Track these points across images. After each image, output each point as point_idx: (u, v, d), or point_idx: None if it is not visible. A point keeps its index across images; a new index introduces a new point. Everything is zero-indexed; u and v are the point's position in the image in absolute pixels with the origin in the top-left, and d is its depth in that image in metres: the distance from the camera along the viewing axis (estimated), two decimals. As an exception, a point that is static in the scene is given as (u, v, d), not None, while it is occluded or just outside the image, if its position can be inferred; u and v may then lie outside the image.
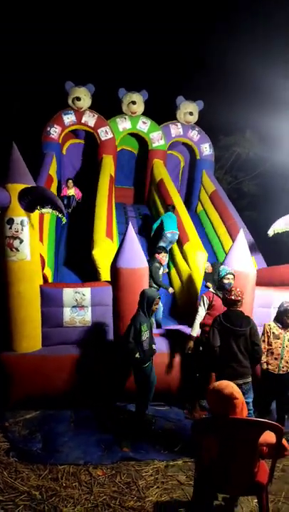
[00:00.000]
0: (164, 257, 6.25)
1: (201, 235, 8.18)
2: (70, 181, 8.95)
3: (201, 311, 4.57)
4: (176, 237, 7.13)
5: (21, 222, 4.38)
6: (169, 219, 7.34)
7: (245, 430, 2.54)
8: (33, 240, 4.51)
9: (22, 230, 4.39)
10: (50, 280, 5.96)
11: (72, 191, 8.90)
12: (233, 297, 3.86)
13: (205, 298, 4.58)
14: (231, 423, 2.55)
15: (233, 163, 13.85)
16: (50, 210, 4.33)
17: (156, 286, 6.05)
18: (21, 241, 4.39)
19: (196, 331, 4.56)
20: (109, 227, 6.76)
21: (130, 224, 4.98)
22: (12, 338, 4.58)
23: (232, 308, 3.89)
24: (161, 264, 6.19)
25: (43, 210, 4.36)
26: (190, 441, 3.94)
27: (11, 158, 4.41)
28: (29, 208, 4.38)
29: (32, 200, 4.29)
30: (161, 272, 6.21)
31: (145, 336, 4.01)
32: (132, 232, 4.81)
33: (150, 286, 5.98)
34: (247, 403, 3.74)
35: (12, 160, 4.41)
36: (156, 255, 6.20)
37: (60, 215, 4.34)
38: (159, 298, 4.21)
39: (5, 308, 4.54)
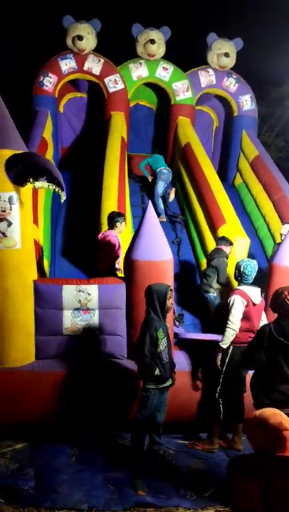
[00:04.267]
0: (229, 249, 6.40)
1: (241, 214, 8.10)
2: None
3: (236, 316, 4.50)
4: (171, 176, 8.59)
5: (10, 199, 4.39)
6: (157, 157, 8.81)
7: (298, 472, 2.51)
8: (25, 223, 4.51)
9: (10, 209, 4.39)
10: (47, 275, 6.00)
11: None
12: None
13: (239, 299, 4.51)
14: (279, 462, 2.53)
15: (286, 123, 13.58)
16: (45, 184, 4.32)
17: (216, 288, 6.17)
18: (9, 223, 4.41)
19: (226, 342, 4.53)
20: (121, 207, 6.74)
21: (150, 203, 4.94)
22: (-3, 349, 4.62)
23: (286, 316, 3.78)
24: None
25: (37, 184, 4.35)
26: (224, 484, 3.94)
27: None
28: (19, 181, 4.37)
29: (23, 170, 4.29)
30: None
31: (163, 345, 4.02)
32: (152, 214, 4.76)
33: (207, 288, 6.25)
34: None
35: (-3, 118, 4.39)
36: (223, 247, 6.34)
37: (58, 191, 4.33)
38: (172, 290, 4.19)
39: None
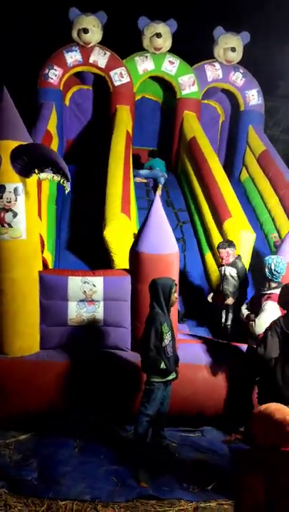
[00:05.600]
0: (225, 253, 5.78)
1: (246, 209, 8.07)
2: None
3: (264, 322, 4.23)
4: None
5: (15, 190, 4.41)
6: (158, 162, 9.29)
7: (303, 466, 2.51)
8: (30, 214, 4.55)
9: (16, 200, 4.42)
10: (50, 266, 6.01)
11: None
12: None
13: (275, 306, 4.28)
14: (284, 457, 2.52)
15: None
16: (51, 175, 4.33)
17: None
18: (15, 214, 4.43)
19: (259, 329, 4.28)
20: (125, 201, 6.73)
21: (157, 195, 4.93)
22: (2, 338, 4.66)
23: None
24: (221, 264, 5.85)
25: (42, 175, 4.36)
26: (228, 478, 3.94)
27: (1, 107, 4.40)
28: (25, 172, 4.39)
29: (29, 161, 4.30)
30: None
31: (168, 338, 4.04)
32: (158, 207, 4.76)
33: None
34: None
35: (3, 109, 4.41)
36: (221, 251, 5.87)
37: (63, 182, 4.33)
38: (176, 284, 4.19)
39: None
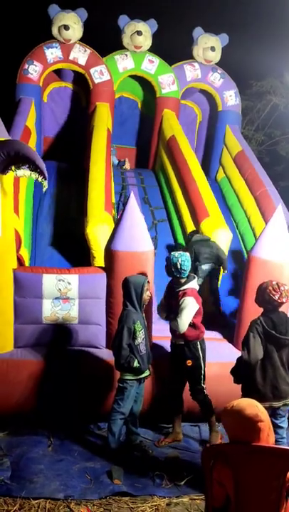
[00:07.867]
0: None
1: (222, 208, 8.11)
2: None
3: (187, 319, 4.26)
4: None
5: (-10, 187, 4.34)
6: None
7: (271, 461, 2.53)
8: (6, 210, 4.48)
9: (-9, 196, 4.35)
10: (26, 264, 5.95)
11: None
12: (284, 299, 3.79)
13: (193, 302, 4.30)
14: (253, 452, 2.54)
15: (267, 117, 13.62)
16: (28, 172, 4.27)
17: None
18: (-10, 211, 4.36)
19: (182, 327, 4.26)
20: (108, 198, 6.71)
21: (132, 192, 4.93)
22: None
23: (275, 310, 3.87)
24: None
25: (19, 172, 4.30)
26: (199, 473, 3.97)
27: None
28: (1, 169, 4.31)
29: (6, 157, 4.23)
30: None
31: (141, 337, 4.04)
32: (133, 204, 4.76)
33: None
34: (281, 428, 3.80)
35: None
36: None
37: (41, 180, 4.28)
38: (149, 282, 4.16)
39: None
